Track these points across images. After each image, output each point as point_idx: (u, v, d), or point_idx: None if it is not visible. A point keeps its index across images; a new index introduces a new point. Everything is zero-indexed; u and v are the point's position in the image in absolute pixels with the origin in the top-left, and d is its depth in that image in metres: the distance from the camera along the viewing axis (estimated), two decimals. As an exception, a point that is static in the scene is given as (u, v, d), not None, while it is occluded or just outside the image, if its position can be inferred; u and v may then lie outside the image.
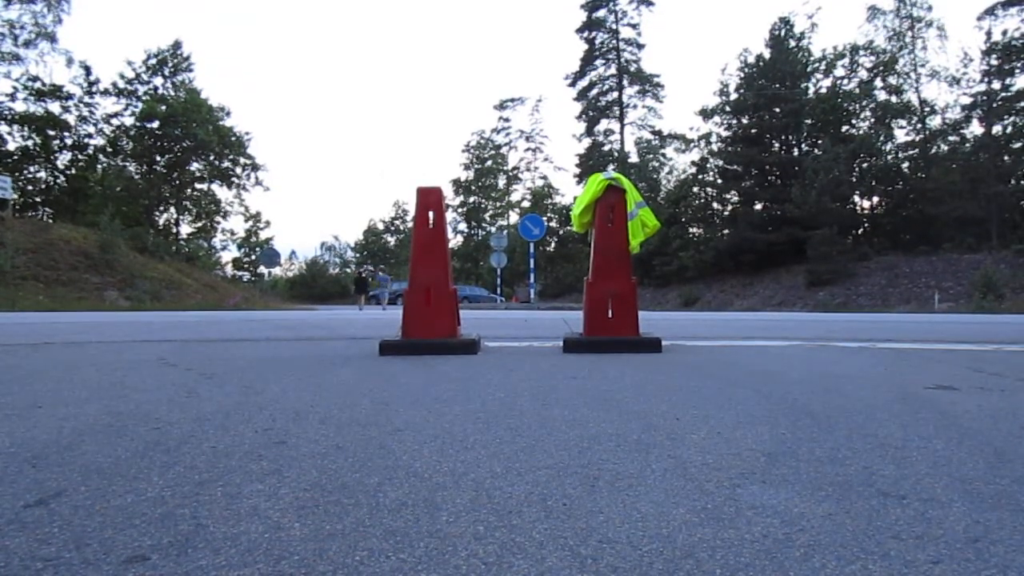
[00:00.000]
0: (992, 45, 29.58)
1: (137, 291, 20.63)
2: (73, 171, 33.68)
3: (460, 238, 51.76)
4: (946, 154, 31.83)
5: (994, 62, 29.64)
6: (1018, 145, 29.29)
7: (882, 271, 27.19)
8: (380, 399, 2.16)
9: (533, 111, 64.21)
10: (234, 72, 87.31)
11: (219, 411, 1.94)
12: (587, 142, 46.88)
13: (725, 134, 35.94)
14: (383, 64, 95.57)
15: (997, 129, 29.93)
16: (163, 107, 34.60)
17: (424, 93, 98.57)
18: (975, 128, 31.32)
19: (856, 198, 32.59)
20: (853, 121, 34.22)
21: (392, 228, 59.01)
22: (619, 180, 4.02)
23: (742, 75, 35.14)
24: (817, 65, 35.31)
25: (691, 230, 35.77)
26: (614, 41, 45.20)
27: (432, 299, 3.73)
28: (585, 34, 45.58)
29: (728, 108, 35.69)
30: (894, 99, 33.33)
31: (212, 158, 37.35)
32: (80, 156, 34.15)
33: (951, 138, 32.14)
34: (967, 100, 31.32)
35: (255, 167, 39.21)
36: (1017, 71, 29.04)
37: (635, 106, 46.39)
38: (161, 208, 37.07)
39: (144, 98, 35.41)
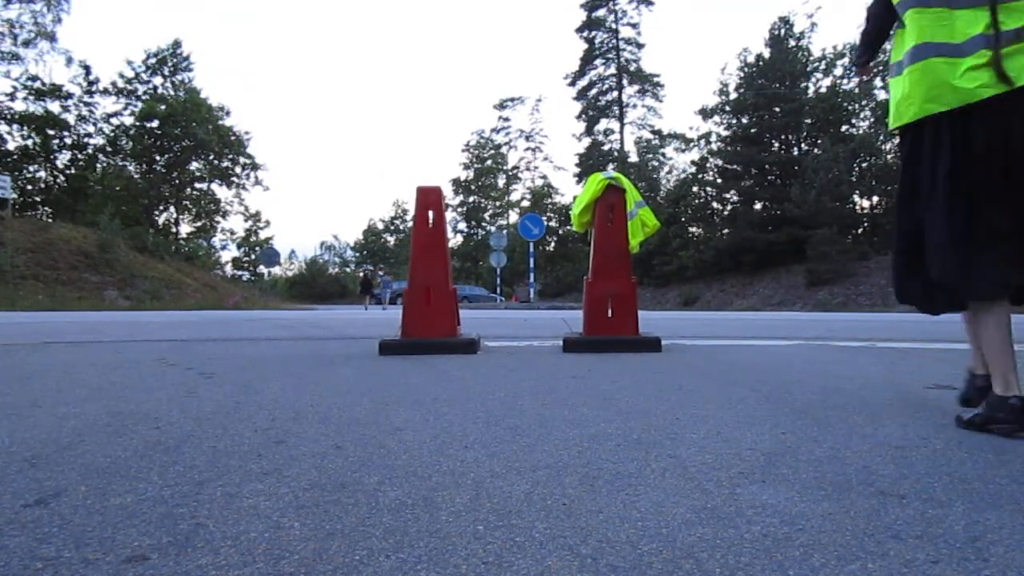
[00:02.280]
0: (992, 45, 29.55)
1: (137, 291, 20.63)
2: (73, 171, 33.66)
3: (460, 238, 51.80)
4: (946, 154, 31.77)
5: (994, 62, 29.62)
6: (1018, 145, 29.29)
7: (882, 271, 27.18)
8: (380, 399, 2.16)
9: (533, 111, 64.53)
10: (234, 72, 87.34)
11: (219, 411, 1.94)
12: (587, 142, 46.87)
13: (725, 134, 35.93)
14: (383, 64, 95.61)
15: (997, 128, 29.89)
16: (163, 107, 34.60)
17: (424, 93, 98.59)
18: (975, 127, 31.27)
19: (856, 198, 32.56)
20: (853, 121, 34.23)
21: (392, 228, 59.01)
22: (619, 180, 4.02)
23: (742, 75, 35.14)
24: (817, 65, 35.30)
25: (691, 230, 35.76)
26: (614, 41, 45.18)
27: (432, 299, 3.73)
28: (585, 33, 45.56)
29: (728, 108, 35.69)
30: (894, 98, 33.28)
31: (212, 158, 37.37)
32: (80, 155, 34.13)
33: (951, 138, 32.10)
34: (967, 99, 31.28)
35: (255, 167, 39.26)
36: (1017, 71, 29.03)
37: (635, 106, 46.41)
38: (161, 208, 37.07)
39: (144, 98, 35.41)
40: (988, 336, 1.61)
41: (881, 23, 1.91)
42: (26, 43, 30.23)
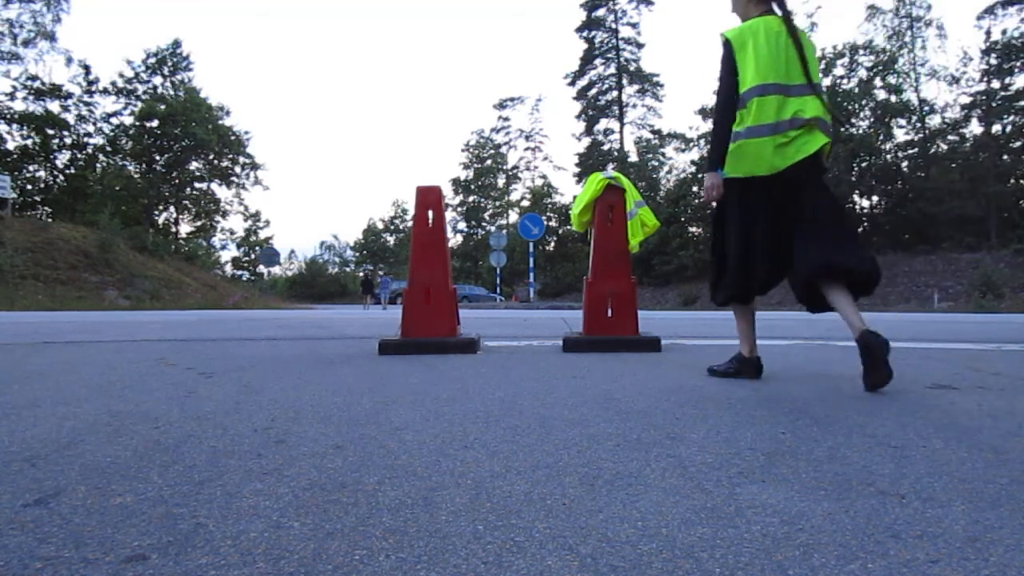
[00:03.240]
0: (991, 44, 29.61)
1: (136, 290, 20.63)
2: (72, 170, 33.68)
3: (460, 237, 51.81)
4: (945, 153, 31.83)
5: (993, 61, 29.67)
6: (1017, 144, 29.31)
7: (883, 270, 27.16)
8: (379, 398, 2.16)
9: (533, 110, 64.62)
10: (234, 72, 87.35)
11: (219, 410, 1.94)
12: (587, 141, 46.87)
13: (725, 133, 35.91)
14: (383, 63, 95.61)
15: (996, 128, 29.95)
16: (162, 106, 34.60)
17: (424, 93, 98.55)
18: (974, 127, 31.33)
19: (856, 197, 32.56)
20: (853, 120, 34.26)
21: (391, 227, 59.03)
22: (618, 179, 4.02)
23: (742, 74, 35.12)
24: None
25: (690, 229, 35.76)
26: (613, 40, 45.19)
27: (432, 298, 3.73)
28: (585, 33, 45.57)
29: (728, 107, 35.65)
30: (893, 98, 33.32)
31: (211, 157, 37.39)
32: (79, 155, 34.16)
33: (951, 137, 32.14)
34: (966, 99, 31.35)
35: (254, 166, 39.30)
36: (1016, 70, 29.07)
37: (634, 105, 46.40)
38: (160, 207, 37.11)
39: (143, 97, 35.43)
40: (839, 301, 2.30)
41: (732, 119, 2.39)
42: (26, 43, 30.27)
